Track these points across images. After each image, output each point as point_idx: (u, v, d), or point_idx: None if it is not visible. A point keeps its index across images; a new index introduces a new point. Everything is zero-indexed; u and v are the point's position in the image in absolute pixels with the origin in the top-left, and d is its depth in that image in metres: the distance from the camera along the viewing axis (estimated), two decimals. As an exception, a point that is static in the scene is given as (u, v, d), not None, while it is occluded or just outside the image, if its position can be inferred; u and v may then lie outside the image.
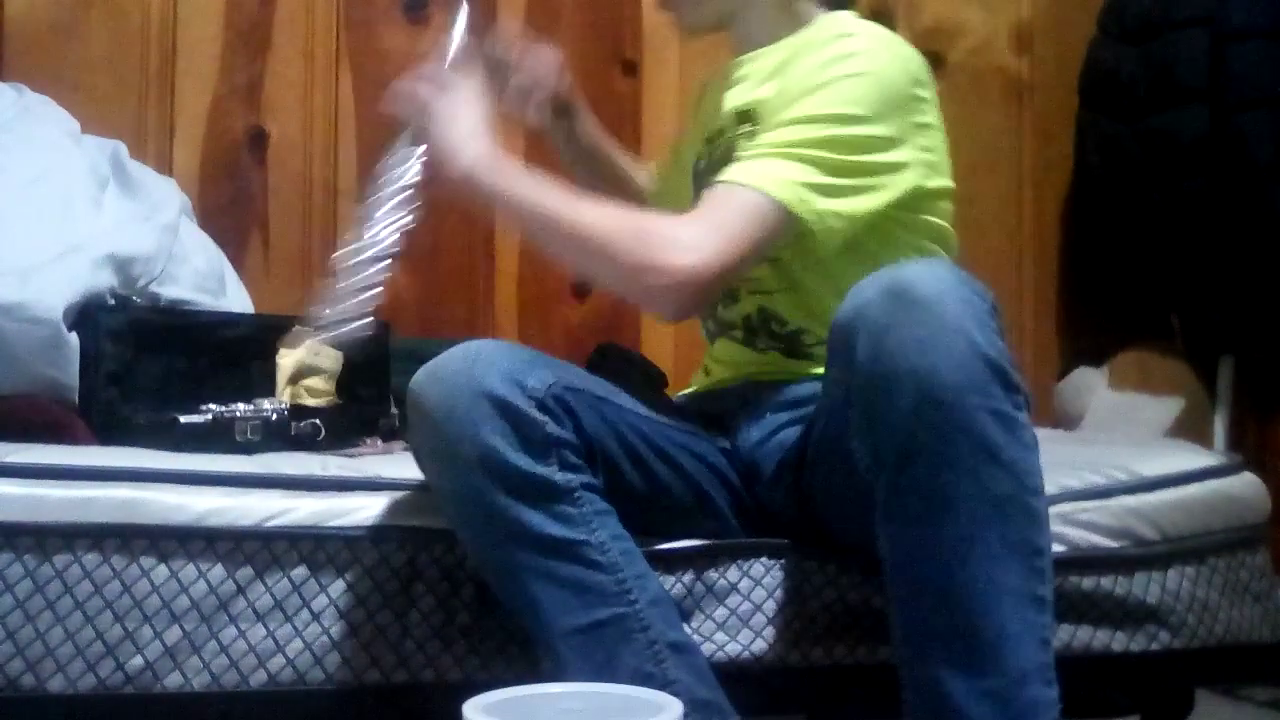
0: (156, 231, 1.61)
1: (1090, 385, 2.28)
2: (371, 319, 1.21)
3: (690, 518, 1.27)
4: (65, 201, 1.55)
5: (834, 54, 1.25)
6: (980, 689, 0.97)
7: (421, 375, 1.13)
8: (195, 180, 2.03)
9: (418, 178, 1.27)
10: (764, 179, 1.19)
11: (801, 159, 1.20)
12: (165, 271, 1.59)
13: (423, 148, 1.28)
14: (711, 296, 1.28)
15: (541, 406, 1.10)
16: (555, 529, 1.10)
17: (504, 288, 2.19)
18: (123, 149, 1.73)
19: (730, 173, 1.22)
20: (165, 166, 1.98)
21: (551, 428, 1.10)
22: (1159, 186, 2.13)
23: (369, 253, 1.22)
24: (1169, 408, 2.21)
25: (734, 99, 1.36)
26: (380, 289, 1.22)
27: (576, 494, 1.11)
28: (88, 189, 1.59)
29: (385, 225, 1.24)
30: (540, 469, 1.09)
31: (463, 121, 1.27)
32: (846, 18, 1.35)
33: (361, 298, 1.20)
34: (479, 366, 1.10)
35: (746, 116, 1.33)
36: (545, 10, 2.21)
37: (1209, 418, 2.21)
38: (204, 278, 1.66)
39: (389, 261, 1.23)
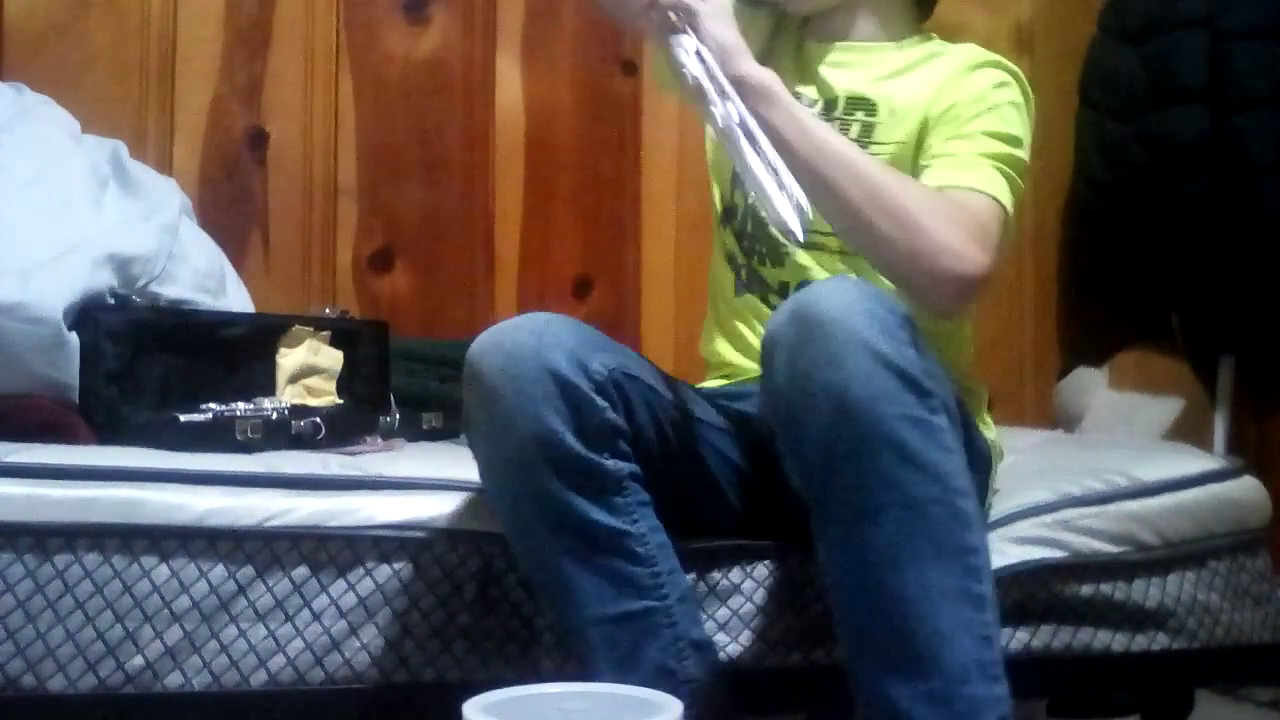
0: (156, 231, 1.60)
1: (1090, 385, 2.28)
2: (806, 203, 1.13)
3: (701, 517, 1.27)
4: (65, 201, 1.55)
5: (996, 79, 1.31)
6: (922, 691, 0.98)
7: (484, 342, 1.11)
8: (195, 180, 2.02)
9: (714, 70, 1.19)
10: (1002, 193, 1.23)
11: (1004, 174, 1.25)
12: (165, 271, 1.58)
13: (694, 44, 1.20)
14: (972, 301, 1.25)
15: (601, 391, 1.10)
16: (601, 517, 1.10)
17: (504, 287, 2.18)
18: (123, 149, 1.73)
19: (970, 179, 1.23)
20: (165, 166, 1.97)
21: (610, 414, 1.10)
22: (1159, 186, 2.12)
23: (750, 149, 1.15)
24: (1169, 408, 2.21)
25: (843, 81, 1.38)
26: (783, 166, 1.14)
27: (624, 483, 1.12)
28: (88, 189, 1.59)
29: (736, 122, 1.16)
30: (594, 456, 1.09)
31: (732, 25, 1.23)
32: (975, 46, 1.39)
33: (788, 186, 1.13)
34: (545, 341, 1.09)
35: (861, 105, 1.36)
36: (545, 10, 2.21)
37: (1209, 418, 2.21)
38: (204, 277, 1.66)
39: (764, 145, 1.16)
